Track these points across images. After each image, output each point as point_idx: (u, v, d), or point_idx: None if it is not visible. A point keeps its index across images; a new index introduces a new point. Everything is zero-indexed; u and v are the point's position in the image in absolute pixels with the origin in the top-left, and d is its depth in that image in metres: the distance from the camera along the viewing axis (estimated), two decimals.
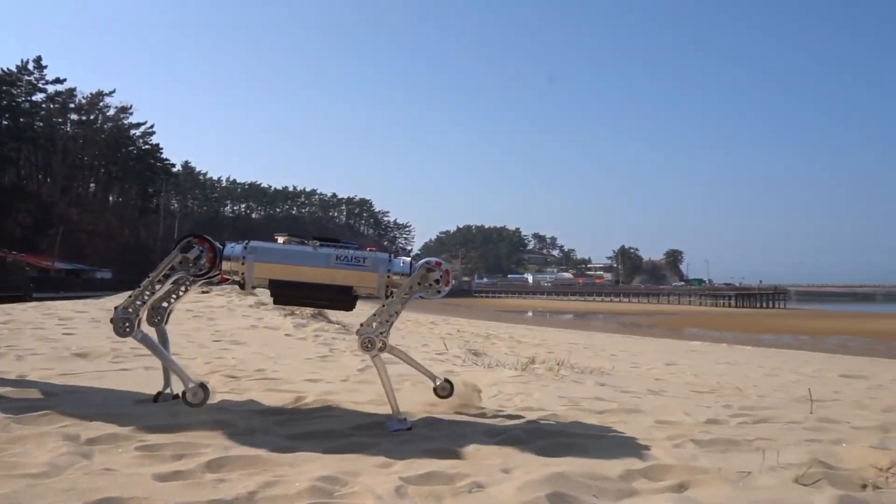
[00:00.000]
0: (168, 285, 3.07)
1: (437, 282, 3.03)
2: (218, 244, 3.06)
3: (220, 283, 3.36)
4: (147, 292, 2.93)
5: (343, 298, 3.05)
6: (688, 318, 44.10)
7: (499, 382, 4.27)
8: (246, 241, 3.04)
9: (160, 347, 3.07)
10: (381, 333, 2.90)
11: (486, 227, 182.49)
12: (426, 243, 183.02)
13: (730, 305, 73.33)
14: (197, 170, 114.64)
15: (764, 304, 74.51)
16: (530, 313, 51.60)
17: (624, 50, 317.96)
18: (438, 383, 3.29)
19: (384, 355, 2.92)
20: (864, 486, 2.27)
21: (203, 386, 2.83)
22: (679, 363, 9.07)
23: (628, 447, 2.69)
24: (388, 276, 3.02)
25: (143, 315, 2.95)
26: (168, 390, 3.21)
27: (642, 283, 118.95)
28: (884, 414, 4.06)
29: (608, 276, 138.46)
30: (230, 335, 6.62)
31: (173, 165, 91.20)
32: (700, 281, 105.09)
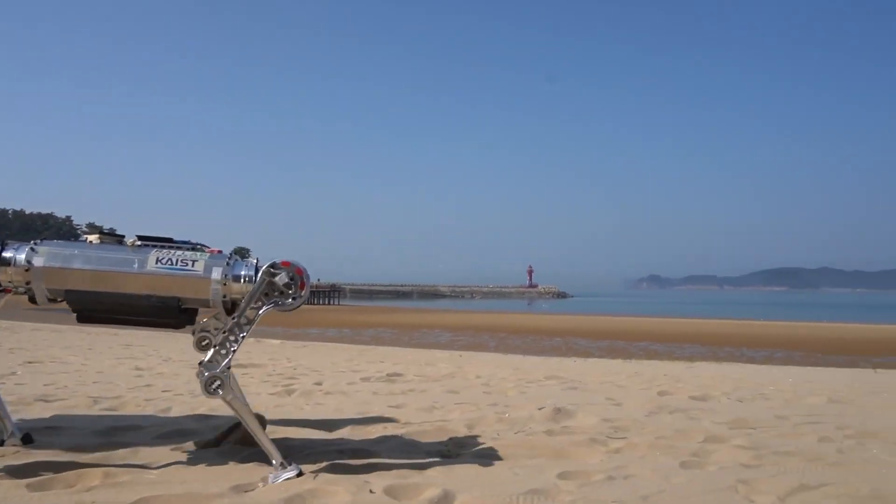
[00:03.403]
0: None
1: (289, 286, 2.51)
2: None
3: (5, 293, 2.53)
4: None
5: (168, 313, 2.46)
6: None
7: None
8: (34, 241, 2.47)
9: None
10: (228, 368, 2.44)
11: (28, 212, 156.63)
12: None
13: None
14: None
15: (323, 301, 79.04)
16: None
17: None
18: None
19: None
20: None
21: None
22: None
23: None
24: (226, 284, 2.50)
25: None
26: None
27: None
28: None
29: None
30: None
31: None
32: None
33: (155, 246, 2.53)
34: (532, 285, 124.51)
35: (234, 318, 2.48)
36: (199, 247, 2.57)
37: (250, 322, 2.48)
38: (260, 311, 2.49)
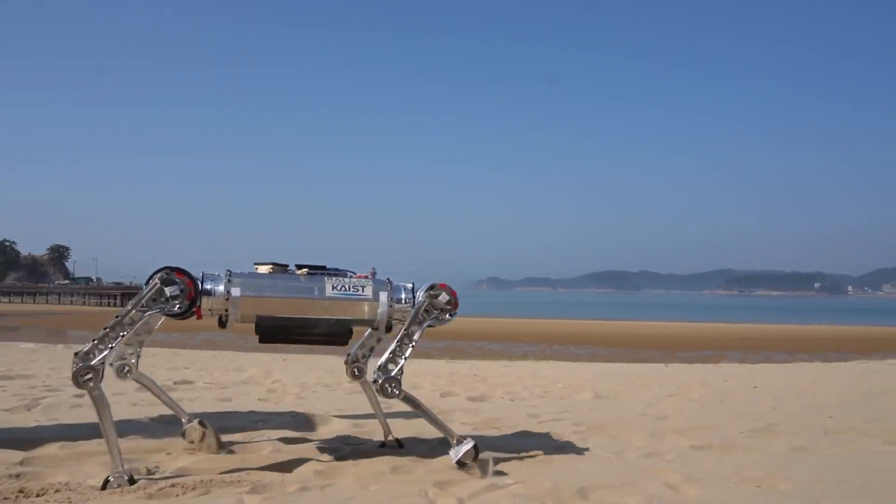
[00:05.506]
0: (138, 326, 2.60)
1: (449, 304, 2.96)
2: (194, 276, 2.71)
3: (196, 318, 2.82)
4: (115, 337, 2.50)
5: (340, 332, 2.89)
6: (68, 318, 40.09)
7: None
8: (228, 273, 2.77)
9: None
10: (402, 374, 2.81)
11: None
12: None
13: (115, 304, 70.70)
14: None
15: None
16: None
17: None
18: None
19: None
20: None
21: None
22: None
23: None
24: (392, 305, 2.94)
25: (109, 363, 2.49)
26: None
27: (20, 280, 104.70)
28: None
29: None
30: None
31: None
32: (88, 279, 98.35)
33: (324, 274, 2.91)
34: None
35: (404, 331, 2.89)
36: (349, 273, 2.95)
37: (414, 335, 2.89)
38: (423, 327, 2.92)
